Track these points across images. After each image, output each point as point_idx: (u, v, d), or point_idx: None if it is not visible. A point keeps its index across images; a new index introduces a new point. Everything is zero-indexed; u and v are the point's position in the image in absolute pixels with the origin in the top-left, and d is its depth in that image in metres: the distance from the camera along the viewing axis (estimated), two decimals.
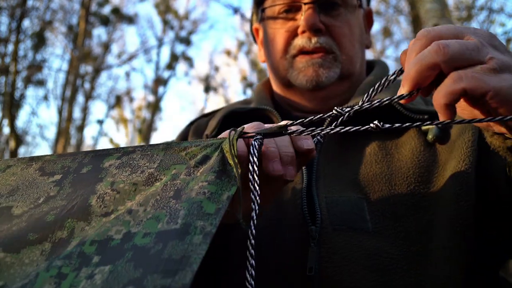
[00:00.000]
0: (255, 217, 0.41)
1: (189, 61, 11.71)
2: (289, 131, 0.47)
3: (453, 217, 0.64)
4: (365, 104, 0.46)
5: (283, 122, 0.48)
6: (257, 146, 0.44)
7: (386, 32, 6.15)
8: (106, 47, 10.62)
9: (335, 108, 0.48)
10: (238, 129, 0.45)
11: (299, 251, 0.63)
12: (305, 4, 0.83)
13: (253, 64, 11.40)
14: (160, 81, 11.56)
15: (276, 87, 0.92)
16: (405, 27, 7.09)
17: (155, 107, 11.42)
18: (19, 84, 8.74)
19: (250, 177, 0.42)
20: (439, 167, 0.70)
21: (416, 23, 5.56)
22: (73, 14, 9.85)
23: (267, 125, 0.51)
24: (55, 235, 0.40)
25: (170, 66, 11.57)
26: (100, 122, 10.97)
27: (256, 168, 0.43)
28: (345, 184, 0.70)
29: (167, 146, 0.47)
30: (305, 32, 0.82)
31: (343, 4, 0.86)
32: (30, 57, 9.12)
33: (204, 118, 0.95)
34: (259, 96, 0.92)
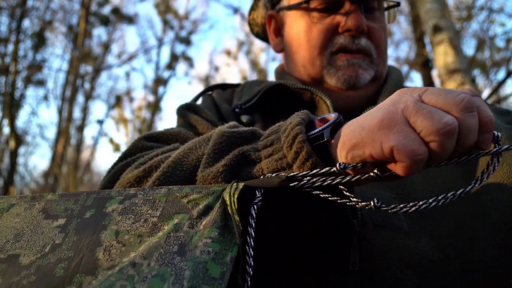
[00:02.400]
0: (249, 280, 0.41)
1: (189, 61, 11.71)
2: (293, 183, 0.46)
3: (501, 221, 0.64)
4: None
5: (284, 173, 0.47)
6: (256, 209, 0.43)
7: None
8: (106, 47, 10.62)
9: (337, 166, 0.46)
10: (240, 185, 0.44)
11: (339, 245, 0.61)
12: (352, 3, 0.82)
13: (253, 64, 11.38)
14: (160, 81, 11.55)
15: (297, 81, 0.88)
16: (405, 27, 7.07)
17: (155, 107, 11.41)
18: (19, 84, 8.76)
19: (248, 240, 0.42)
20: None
21: (416, 23, 5.52)
22: (73, 14, 9.84)
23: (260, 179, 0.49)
24: None
25: (170, 66, 11.56)
26: (100, 122, 10.97)
27: (253, 233, 0.42)
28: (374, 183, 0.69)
29: (168, 191, 0.47)
30: (349, 31, 0.82)
31: (378, 7, 0.87)
32: (30, 57, 9.13)
33: (223, 89, 0.94)
34: (291, 79, 0.88)
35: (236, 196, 0.43)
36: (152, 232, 0.44)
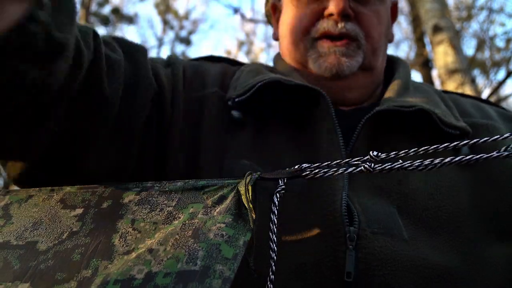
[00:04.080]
0: (273, 265, 0.42)
1: None
2: (307, 173, 0.46)
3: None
4: (402, 153, 0.44)
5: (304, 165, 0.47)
6: (278, 197, 0.45)
7: None
8: None
9: (371, 154, 0.45)
10: (255, 175, 0.46)
11: (333, 253, 0.56)
12: None
13: None
14: None
15: (287, 66, 0.85)
16: (405, 27, 7.09)
17: None
18: None
19: (271, 226, 0.43)
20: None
21: (416, 23, 5.53)
22: None
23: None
24: (80, 273, 0.42)
25: None
26: None
27: (275, 220, 0.43)
28: (374, 191, 0.64)
29: (184, 184, 0.49)
30: (332, 15, 0.78)
31: None
32: None
33: (227, 63, 0.87)
34: (282, 64, 0.85)
35: (251, 185, 0.44)
36: (167, 220, 0.45)
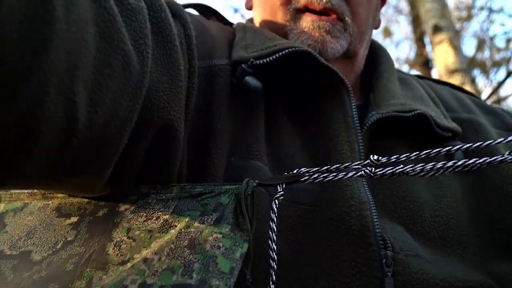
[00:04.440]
0: (273, 274, 0.41)
1: None
2: (305, 178, 0.43)
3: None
4: (404, 157, 0.41)
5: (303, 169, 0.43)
6: (277, 204, 0.42)
7: (386, 32, 6.12)
8: None
9: (372, 158, 0.41)
10: (252, 183, 0.44)
11: (366, 282, 0.48)
12: None
13: None
14: None
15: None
16: (405, 27, 7.07)
17: None
18: None
19: (270, 234, 0.41)
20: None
21: (416, 23, 5.49)
22: None
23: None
24: (74, 285, 0.41)
25: None
26: None
27: (275, 227, 0.41)
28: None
29: (180, 190, 0.47)
30: None
31: None
32: None
33: (219, 19, 0.75)
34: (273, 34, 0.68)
35: (249, 192, 0.43)
36: (163, 228, 0.44)
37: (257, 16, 0.75)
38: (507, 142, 0.39)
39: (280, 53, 0.58)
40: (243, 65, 0.57)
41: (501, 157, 0.38)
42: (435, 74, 5.14)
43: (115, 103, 0.36)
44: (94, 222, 0.48)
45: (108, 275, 0.41)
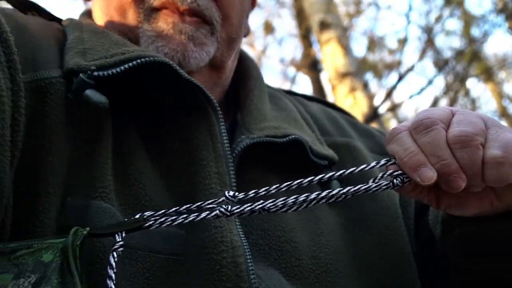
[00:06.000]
0: None
1: None
2: (150, 223, 0.40)
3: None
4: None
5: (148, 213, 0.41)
6: (115, 257, 0.38)
7: (268, 28, 5.51)
8: None
9: (227, 195, 0.41)
10: (82, 231, 0.38)
11: None
12: None
13: None
14: None
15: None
16: (288, 22, 6.55)
17: None
18: None
19: None
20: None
21: (300, 17, 5.09)
22: None
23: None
24: None
25: None
26: None
27: (113, 286, 0.37)
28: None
29: None
30: None
31: None
32: None
33: (47, 17, 0.60)
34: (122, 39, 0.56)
35: (77, 244, 0.38)
36: None
37: (98, 11, 0.63)
38: (380, 166, 0.42)
39: (130, 64, 0.51)
40: (81, 75, 0.49)
41: (365, 185, 0.40)
42: (324, 77, 4.81)
43: None
44: None
45: None
